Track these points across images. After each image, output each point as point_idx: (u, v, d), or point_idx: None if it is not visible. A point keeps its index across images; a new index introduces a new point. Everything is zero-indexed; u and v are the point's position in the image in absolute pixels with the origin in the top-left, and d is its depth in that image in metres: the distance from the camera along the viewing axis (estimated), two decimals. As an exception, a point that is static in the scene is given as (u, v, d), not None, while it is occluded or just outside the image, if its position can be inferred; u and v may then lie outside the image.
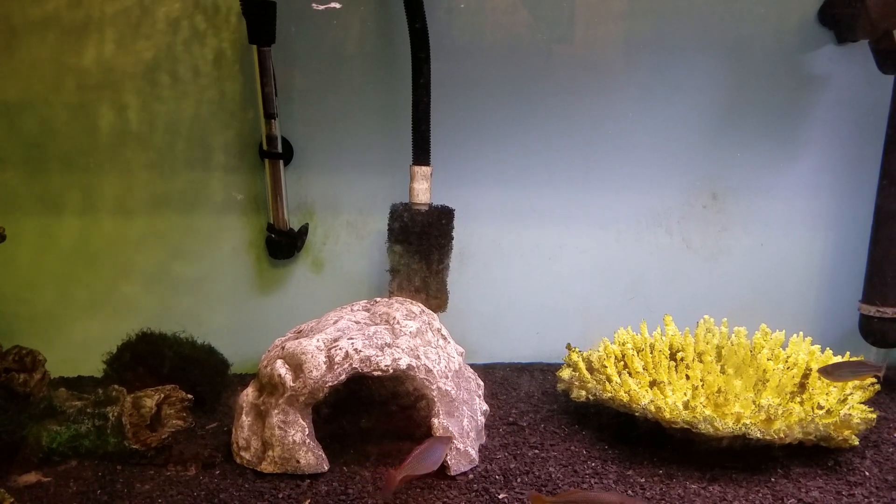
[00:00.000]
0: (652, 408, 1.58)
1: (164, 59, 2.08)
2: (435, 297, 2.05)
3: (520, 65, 2.19)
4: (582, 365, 1.79)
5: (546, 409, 1.94)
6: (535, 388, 2.10)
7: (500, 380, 2.18)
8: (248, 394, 1.65)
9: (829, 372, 1.63)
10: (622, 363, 1.77)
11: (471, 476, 1.56)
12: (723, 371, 1.78)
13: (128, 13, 2.05)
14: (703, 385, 1.61)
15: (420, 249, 2.03)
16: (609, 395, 1.67)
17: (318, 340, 1.62)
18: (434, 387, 1.61)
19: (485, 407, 1.75)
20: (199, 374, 1.85)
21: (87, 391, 1.71)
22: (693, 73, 2.22)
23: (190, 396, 1.63)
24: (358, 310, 1.82)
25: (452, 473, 1.55)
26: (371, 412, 1.79)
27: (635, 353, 1.76)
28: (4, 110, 2.07)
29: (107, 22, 2.05)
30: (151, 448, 1.55)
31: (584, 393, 1.77)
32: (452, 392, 1.63)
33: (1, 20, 2.01)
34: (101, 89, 2.08)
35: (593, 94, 2.21)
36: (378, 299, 1.86)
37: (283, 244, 2.19)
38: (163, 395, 1.59)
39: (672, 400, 1.59)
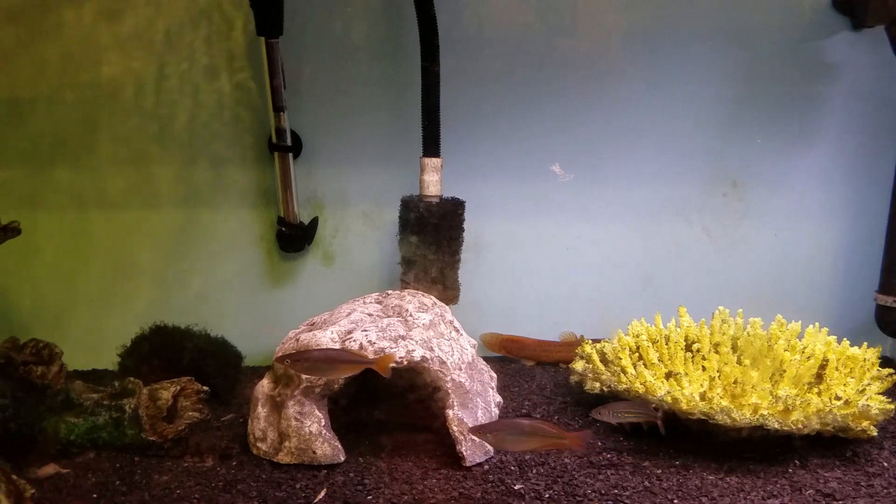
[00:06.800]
0: (669, 399, 1.57)
1: (173, 53, 2.08)
2: (450, 288, 2.05)
3: (531, 56, 2.17)
4: (596, 357, 1.79)
5: (559, 401, 1.93)
6: (547, 381, 2.10)
7: (512, 372, 2.17)
8: (264, 385, 1.65)
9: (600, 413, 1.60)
10: (637, 355, 1.76)
11: (486, 467, 1.55)
12: (739, 362, 1.77)
13: (137, 6, 2.05)
14: (719, 376, 1.60)
15: (437, 240, 2.02)
16: (624, 386, 1.66)
17: (332, 332, 1.62)
18: (448, 378, 1.60)
19: (498, 399, 1.75)
20: (213, 367, 1.85)
21: (101, 384, 1.72)
22: (707, 61, 2.19)
23: (206, 388, 1.63)
24: (370, 302, 1.81)
25: (467, 464, 1.55)
26: (385, 404, 1.79)
27: (650, 345, 1.75)
28: (15, 106, 2.07)
29: (116, 16, 2.05)
30: (168, 440, 1.56)
31: (598, 385, 1.76)
32: (466, 384, 1.63)
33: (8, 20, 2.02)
34: (111, 84, 2.08)
35: (606, 84, 2.19)
36: (390, 291, 1.86)
37: (293, 237, 2.20)
38: (179, 388, 1.59)
39: (689, 391, 1.58)
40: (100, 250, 2.17)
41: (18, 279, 2.14)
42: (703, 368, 1.69)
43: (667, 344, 1.76)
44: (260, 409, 1.62)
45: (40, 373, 1.54)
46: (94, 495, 1.43)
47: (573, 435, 1.44)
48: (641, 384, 1.62)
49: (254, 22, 2.00)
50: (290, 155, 2.13)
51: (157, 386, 1.59)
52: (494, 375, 1.81)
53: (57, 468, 1.51)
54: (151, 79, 2.09)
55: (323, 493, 1.44)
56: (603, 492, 1.45)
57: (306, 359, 1.49)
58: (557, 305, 2.31)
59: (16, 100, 2.07)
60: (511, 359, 2.27)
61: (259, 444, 1.59)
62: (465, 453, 1.55)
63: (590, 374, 1.79)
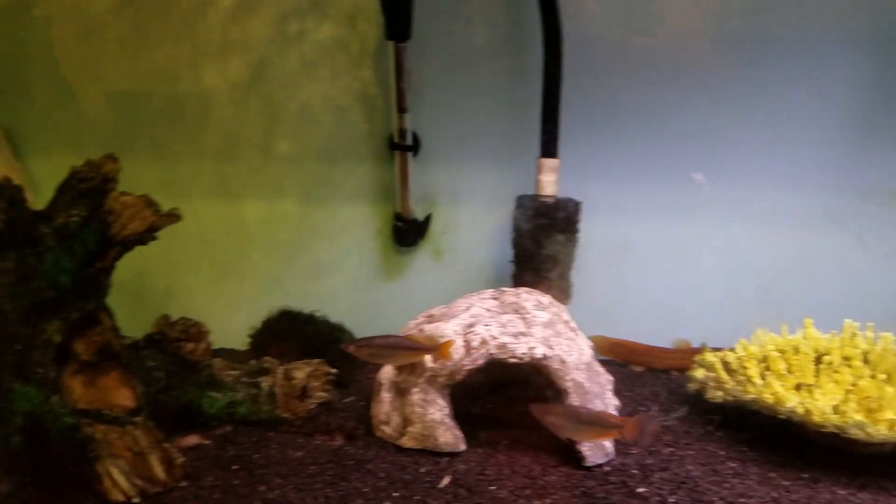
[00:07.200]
0: (800, 410, 1.53)
1: (304, 54, 2.18)
2: (564, 289, 2.07)
3: (652, 56, 2.14)
4: (719, 365, 1.75)
5: (676, 409, 1.90)
6: (660, 388, 2.06)
7: (622, 377, 2.14)
8: (388, 371, 1.71)
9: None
10: (763, 365, 1.71)
11: (607, 468, 1.55)
12: (872, 377, 1.69)
13: (269, 9, 2.17)
14: (854, 390, 1.54)
15: (554, 240, 2.05)
16: (752, 396, 1.62)
17: (455, 324, 1.66)
18: (568, 378, 1.61)
19: (616, 402, 1.74)
20: (334, 351, 1.92)
21: (234, 362, 1.82)
22: (838, 65, 2.10)
23: (335, 371, 1.71)
24: (486, 298, 1.84)
25: (588, 464, 1.55)
26: (503, 399, 1.82)
27: (779, 355, 1.70)
28: (165, 103, 2.23)
29: (250, 16, 2.17)
30: (300, 417, 1.65)
31: (720, 394, 1.73)
32: (586, 384, 1.63)
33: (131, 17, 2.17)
34: (244, 84, 2.20)
35: (739, 86, 2.12)
36: (505, 289, 1.88)
37: (408, 232, 2.27)
38: (311, 369, 1.68)
39: (821, 403, 1.53)
40: (231, 238, 2.31)
41: (157, 262, 2.29)
42: (836, 382, 1.63)
43: (795, 355, 1.71)
44: (384, 393, 1.68)
45: (190, 349, 1.66)
46: (235, 466, 1.53)
47: (631, 423, 1.43)
48: (771, 394, 1.58)
49: (383, 26, 2.07)
50: (410, 154, 2.19)
51: (292, 366, 1.68)
52: (611, 378, 1.80)
53: (199, 439, 1.62)
54: (282, 79, 2.20)
55: (448, 480, 1.48)
56: (729, 500, 1.43)
57: (369, 346, 1.58)
58: (675, 311, 2.25)
59: (161, 95, 2.23)
60: (619, 363, 2.25)
61: (383, 427, 1.66)
62: (586, 453, 1.55)
63: (711, 383, 1.76)
